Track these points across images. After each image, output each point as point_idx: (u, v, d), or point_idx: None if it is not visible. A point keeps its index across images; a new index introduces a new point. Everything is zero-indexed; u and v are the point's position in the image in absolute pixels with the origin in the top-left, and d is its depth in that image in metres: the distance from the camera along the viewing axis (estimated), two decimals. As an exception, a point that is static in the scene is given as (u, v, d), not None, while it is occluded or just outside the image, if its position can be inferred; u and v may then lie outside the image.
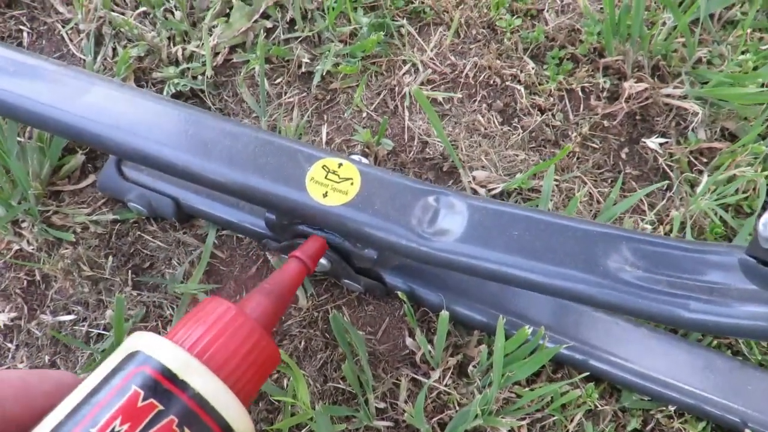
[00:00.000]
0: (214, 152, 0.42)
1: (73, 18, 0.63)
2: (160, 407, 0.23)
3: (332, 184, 0.41)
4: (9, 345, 0.50)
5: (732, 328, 0.32)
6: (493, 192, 0.54)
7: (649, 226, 0.52)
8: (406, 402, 0.47)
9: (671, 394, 0.45)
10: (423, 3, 0.63)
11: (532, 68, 0.60)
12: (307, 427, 0.46)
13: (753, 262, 0.31)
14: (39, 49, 0.63)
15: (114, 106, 0.43)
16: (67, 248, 0.52)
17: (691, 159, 0.56)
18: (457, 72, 0.60)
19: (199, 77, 0.60)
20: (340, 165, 0.42)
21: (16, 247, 0.52)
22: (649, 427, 0.47)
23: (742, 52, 0.58)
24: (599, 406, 0.47)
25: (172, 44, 0.61)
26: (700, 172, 0.56)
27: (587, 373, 0.46)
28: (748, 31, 0.59)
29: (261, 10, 0.61)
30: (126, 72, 0.59)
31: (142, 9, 0.62)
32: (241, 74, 0.60)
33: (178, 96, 0.59)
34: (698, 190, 0.53)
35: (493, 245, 0.38)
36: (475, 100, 0.59)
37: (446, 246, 0.39)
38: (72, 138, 0.45)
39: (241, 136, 0.43)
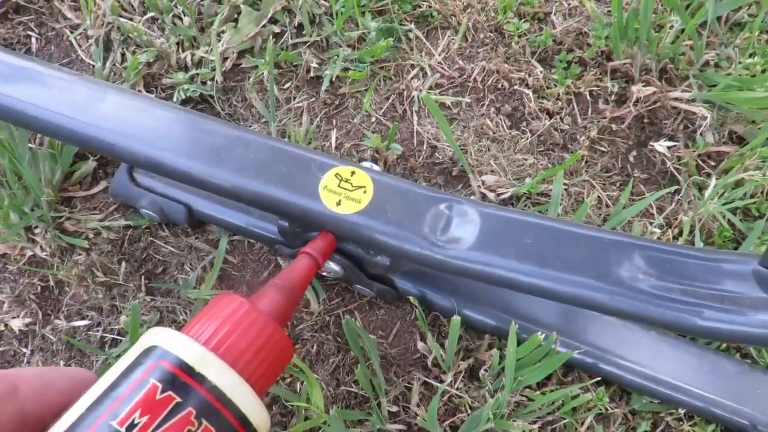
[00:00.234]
0: (228, 161, 0.42)
1: (82, 24, 0.63)
2: (178, 399, 0.24)
3: (345, 192, 0.42)
4: (24, 350, 0.51)
5: (745, 337, 0.33)
6: (503, 196, 0.55)
7: (657, 230, 0.53)
8: (418, 405, 0.47)
9: (681, 397, 0.46)
10: (430, 7, 0.63)
11: (540, 72, 0.60)
12: (321, 430, 0.46)
13: (767, 272, 0.32)
14: (47, 55, 0.63)
15: (127, 115, 0.44)
16: (80, 254, 0.53)
17: (700, 162, 0.56)
18: (465, 76, 0.60)
19: (209, 83, 0.60)
20: (353, 173, 0.42)
21: (29, 253, 0.53)
22: (659, 430, 0.47)
23: (750, 55, 0.59)
24: (609, 409, 0.47)
25: (180, 50, 0.61)
26: (709, 175, 0.56)
27: (598, 378, 0.46)
28: (756, 33, 0.59)
29: (269, 15, 0.62)
30: (135, 78, 0.59)
31: (150, 15, 0.62)
32: (250, 79, 0.60)
33: (187, 101, 0.60)
34: (707, 193, 0.54)
35: (506, 253, 0.39)
36: (483, 104, 0.59)
37: (459, 254, 0.39)
38: (85, 147, 0.45)
39: (253, 144, 0.43)
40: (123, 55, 0.62)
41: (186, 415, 0.24)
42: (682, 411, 0.46)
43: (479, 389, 0.48)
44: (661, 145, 0.57)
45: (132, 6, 0.64)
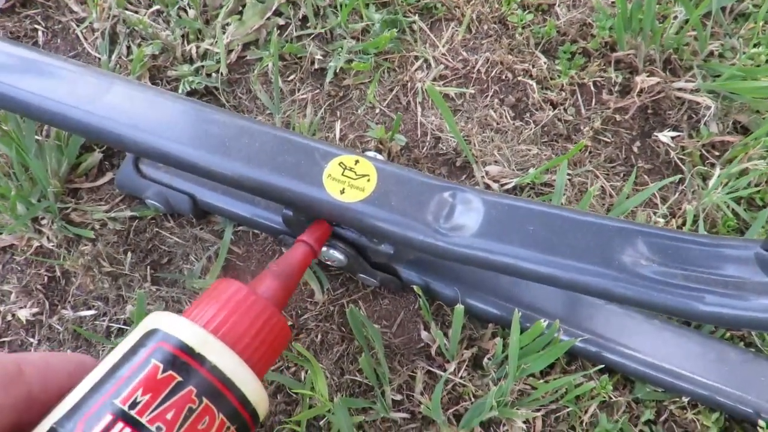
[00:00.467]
0: (233, 150, 0.43)
1: (88, 17, 0.64)
2: (179, 379, 0.25)
3: (349, 180, 0.42)
4: (31, 340, 0.51)
5: (748, 321, 0.33)
6: (506, 187, 0.55)
7: (661, 220, 0.53)
8: (422, 394, 0.48)
9: (684, 385, 0.46)
10: (434, -1, 0.63)
11: (544, 63, 0.60)
12: (325, 418, 0.47)
13: (769, 256, 0.32)
14: (54, 48, 0.64)
15: (134, 106, 0.44)
16: (86, 245, 0.53)
17: (703, 152, 0.56)
18: (469, 67, 0.60)
19: (214, 75, 0.60)
20: (357, 162, 0.42)
21: (36, 244, 0.53)
22: (662, 418, 0.47)
23: (755, 45, 0.58)
24: (613, 397, 0.47)
25: (186, 42, 0.61)
26: (713, 165, 0.56)
27: (602, 366, 0.46)
28: (761, 24, 0.59)
29: (273, 8, 0.62)
30: (141, 70, 0.60)
31: (155, 7, 0.63)
32: (255, 71, 0.60)
33: (192, 94, 0.60)
34: (710, 183, 0.54)
35: (510, 240, 0.39)
36: (487, 96, 0.59)
37: (463, 241, 0.39)
38: (93, 138, 0.46)
39: (258, 134, 0.43)
40: (128, 47, 0.62)
41: (187, 394, 0.24)
42: (685, 399, 0.47)
43: (483, 378, 0.48)
44: (665, 136, 0.57)
45: (137, -1, 0.64)
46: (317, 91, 0.60)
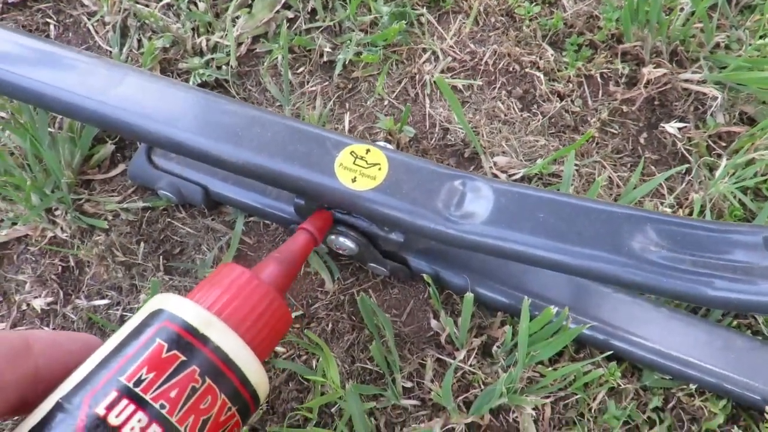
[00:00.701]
0: (245, 140, 0.43)
1: (99, 10, 0.64)
2: (183, 358, 0.25)
3: (360, 169, 0.42)
4: (46, 328, 0.52)
5: (756, 305, 0.33)
6: (514, 177, 0.55)
7: (668, 210, 0.53)
8: (432, 381, 0.48)
9: (692, 372, 0.46)
10: (442, -9, 0.64)
11: (551, 55, 0.60)
12: (337, 405, 0.47)
13: (777, 240, 0.32)
14: (65, 41, 0.64)
15: (147, 97, 0.44)
16: (99, 235, 0.54)
17: (710, 143, 0.57)
18: (476, 59, 0.61)
19: (224, 67, 0.61)
20: (368, 151, 0.43)
21: (50, 234, 0.54)
22: (670, 405, 0.48)
23: (761, 37, 0.59)
24: (621, 384, 0.48)
25: (196, 35, 0.62)
26: (719, 155, 0.56)
27: (610, 353, 0.47)
28: (767, 15, 0.60)
29: (282, 1, 0.63)
30: (152, 63, 0.60)
31: (166, 1, 0.63)
32: (265, 64, 0.61)
33: (202, 86, 0.60)
34: (717, 173, 0.54)
35: (519, 227, 0.39)
36: (494, 87, 0.60)
37: (473, 228, 0.40)
38: (106, 128, 0.46)
39: (270, 124, 0.44)
40: (139, 40, 0.63)
41: (190, 373, 0.25)
42: (693, 387, 0.47)
43: (492, 365, 0.48)
44: (671, 127, 0.57)
45: (147, -7, 0.65)
46: (326, 83, 0.61)
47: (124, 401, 0.23)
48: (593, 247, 0.38)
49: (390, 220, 0.42)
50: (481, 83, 0.60)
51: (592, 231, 0.38)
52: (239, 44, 0.62)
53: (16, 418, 0.26)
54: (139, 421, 0.23)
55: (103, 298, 0.52)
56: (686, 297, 0.35)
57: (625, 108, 0.59)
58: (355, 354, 0.50)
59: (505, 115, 0.58)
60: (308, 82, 0.61)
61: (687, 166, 0.56)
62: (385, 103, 0.60)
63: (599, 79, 0.60)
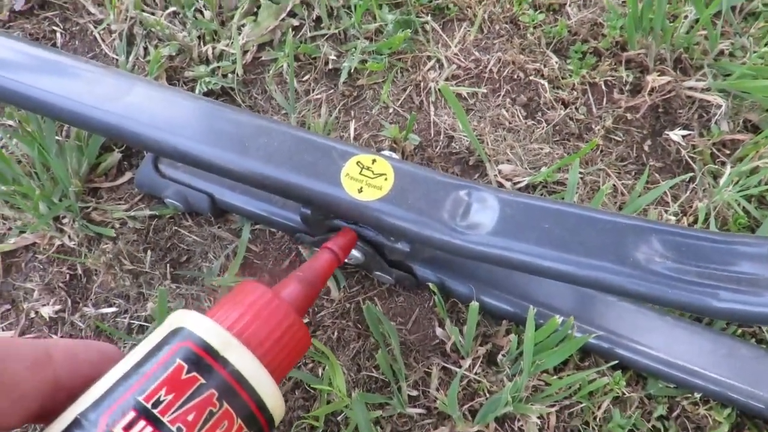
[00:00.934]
0: (252, 150, 0.44)
1: (105, 19, 0.65)
2: (202, 381, 0.25)
3: (367, 179, 0.43)
4: (54, 336, 0.52)
5: (762, 317, 0.33)
6: (519, 185, 0.55)
7: (672, 218, 0.53)
8: (437, 390, 0.48)
9: (696, 381, 0.47)
10: (447, -1, 0.64)
11: (556, 62, 0.61)
12: (343, 414, 0.48)
13: (782, 252, 0.32)
14: (72, 49, 0.65)
15: (154, 106, 0.45)
16: (107, 243, 0.54)
17: (714, 151, 0.57)
18: (481, 67, 0.61)
19: (230, 75, 0.61)
20: (374, 161, 0.43)
21: (58, 242, 0.54)
22: (674, 414, 0.48)
23: (765, 44, 0.59)
24: (626, 393, 0.48)
25: (202, 43, 0.62)
26: (723, 163, 0.56)
27: (615, 362, 0.47)
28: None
29: (288, 9, 0.63)
30: (158, 71, 0.60)
31: (172, 9, 0.64)
32: (270, 72, 0.61)
33: (208, 94, 0.61)
34: (721, 181, 0.54)
35: (525, 238, 0.40)
36: (499, 95, 0.60)
37: (479, 239, 0.40)
38: (114, 138, 0.47)
39: (277, 133, 0.44)
40: (146, 49, 0.63)
41: (209, 396, 0.25)
42: (697, 395, 0.47)
43: (497, 374, 0.49)
44: (676, 134, 0.57)
45: (154, 1, 0.65)
46: (331, 91, 0.61)
47: (142, 422, 0.23)
48: (598, 258, 0.38)
49: (396, 231, 0.42)
50: (485, 91, 0.60)
51: (598, 241, 0.39)
52: (245, 52, 0.62)
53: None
54: None
55: (110, 306, 0.53)
56: (691, 308, 0.36)
57: (629, 115, 0.59)
58: (361, 362, 0.50)
59: (510, 123, 0.59)
60: (313, 90, 0.61)
61: (691, 174, 0.56)
62: (390, 110, 0.60)
63: (603, 87, 0.60)
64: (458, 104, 0.54)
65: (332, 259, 0.40)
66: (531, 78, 0.60)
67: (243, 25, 0.62)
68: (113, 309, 0.52)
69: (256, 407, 0.26)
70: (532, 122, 0.59)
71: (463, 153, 0.58)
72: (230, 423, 0.25)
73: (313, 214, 0.46)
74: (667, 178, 0.56)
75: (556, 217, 0.40)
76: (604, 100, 0.60)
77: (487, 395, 0.48)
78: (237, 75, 0.61)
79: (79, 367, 0.26)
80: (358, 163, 0.43)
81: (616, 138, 0.58)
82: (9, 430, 0.23)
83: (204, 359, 0.26)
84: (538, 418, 0.47)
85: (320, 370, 0.49)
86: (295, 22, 0.63)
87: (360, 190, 0.42)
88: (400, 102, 0.60)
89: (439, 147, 0.58)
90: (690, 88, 0.59)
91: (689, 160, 0.57)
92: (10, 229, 0.55)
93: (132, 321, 0.52)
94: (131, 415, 0.23)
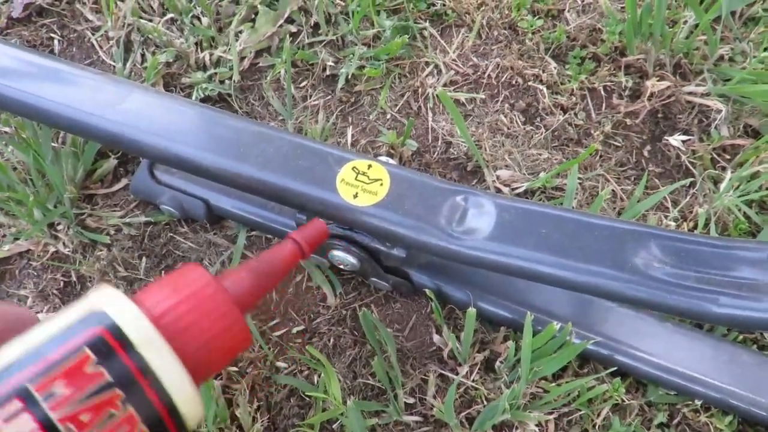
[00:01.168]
0: (249, 156, 0.43)
1: (103, 26, 0.65)
2: (109, 378, 0.22)
3: (362, 185, 0.42)
4: None
5: (762, 323, 0.33)
6: (517, 191, 0.55)
7: (672, 223, 0.53)
8: (434, 397, 0.48)
9: (697, 388, 0.46)
10: (445, 5, 0.64)
11: (554, 68, 0.60)
12: (338, 421, 0.47)
13: (782, 257, 0.32)
14: (69, 56, 0.65)
15: (151, 113, 0.45)
16: (101, 250, 0.54)
17: (714, 156, 0.56)
18: (479, 73, 0.61)
19: (227, 82, 0.61)
20: (370, 166, 0.43)
21: (52, 249, 0.54)
22: (675, 421, 0.47)
23: (765, 49, 0.59)
24: (626, 400, 0.47)
25: (199, 50, 0.62)
26: (724, 168, 0.56)
27: (614, 368, 0.46)
28: (770, 27, 0.60)
29: (285, 15, 0.63)
30: (155, 77, 0.60)
31: (169, 16, 0.63)
32: (267, 78, 0.61)
33: (205, 100, 0.61)
34: (722, 186, 0.54)
35: (522, 243, 0.39)
36: (497, 101, 0.60)
37: (476, 244, 0.40)
38: (111, 144, 0.46)
39: (273, 139, 0.44)
40: (143, 55, 0.63)
41: (112, 397, 0.22)
42: (698, 402, 0.47)
43: (495, 381, 0.48)
44: (675, 140, 0.57)
45: (152, 7, 0.65)
46: (329, 97, 0.61)
47: (26, 416, 0.21)
48: (597, 264, 0.38)
49: (392, 236, 0.42)
50: (483, 97, 0.60)
51: (596, 247, 0.38)
52: (242, 59, 0.62)
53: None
54: None
55: (105, 313, 0.52)
56: (691, 314, 0.35)
57: (628, 121, 0.59)
58: (357, 369, 0.50)
59: (508, 129, 0.58)
60: (311, 96, 0.61)
61: (691, 179, 0.55)
62: (388, 116, 0.59)
63: (602, 92, 0.60)
64: (456, 110, 0.54)
65: (294, 251, 0.34)
66: (529, 83, 0.60)
67: (240, 32, 0.62)
68: (108, 316, 0.52)
69: (167, 413, 0.23)
70: (531, 128, 0.59)
71: (461, 159, 0.57)
72: (131, 428, 0.22)
73: (309, 219, 0.46)
74: (667, 183, 0.56)
75: (554, 223, 0.40)
76: (603, 105, 0.59)
77: (485, 403, 0.47)
78: (234, 81, 0.61)
79: None
80: (353, 168, 0.43)
81: (616, 143, 0.58)
82: None
83: (116, 354, 0.23)
84: (537, 425, 0.46)
85: (316, 378, 0.49)
86: (293, 29, 0.63)
87: (355, 196, 0.42)
88: (397, 108, 0.60)
89: (437, 153, 0.58)
90: (690, 93, 0.58)
91: (689, 165, 0.56)
92: (4, 236, 0.55)
93: (127, 328, 0.51)
94: (17, 405, 0.21)
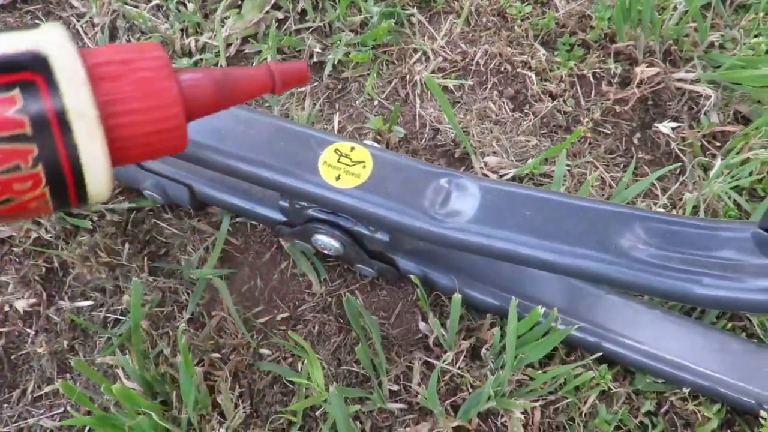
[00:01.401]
0: (229, 139, 0.43)
1: (88, 12, 0.64)
2: (28, 131, 0.21)
3: (345, 167, 0.42)
4: (29, 330, 0.51)
5: (745, 304, 0.32)
6: (505, 177, 0.54)
7: (661, 210, 0.52)
8: (419, 384, 0.47)
9: (685, 376, 0.45)
10: (433, -9, 0.63)
11: (543, 55, 0.60)
12: (322, 408, 0.46)
13: (766, 235, 0.31)
14: (55, 42, 0.64)
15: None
16: (84, 236, 0.53)
17: (704, 143, 0.56)
18: (467, 60, 0.60)
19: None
20: (353, 149, 0.42)
21: (34, 235, 0.53)
22: (663, 410, 0.47)
23: (755, 36, 0.58)
24: (613, 388, 0.47)
25: (185, 36, 0.62)
26: (713, 155, 0.55)
27: (600, 354, 0.46)
28: (762, 14, 0.59)
29: (272, 1, 0.62)
30: (140, 63, 0.60)
31: (155, 2, 0.63)
32: (254, 64, 0.60)
33: (191, 86, 0.60)
34: (711, 173, 0.53)
35: (506, 225, 0.39)
36: (486, 87, 0.59)
37: (459, 226, 0.39)
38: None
39: (254, 122, 0.43)
40: (128, 41, 0.62)
41: (26, 151, 0.21)
42: (686, 390, 0.46)
43: (481, 368, 0.47)
44: (665, 126, 0.56)
45: (137, -7, 0.64)
46: (316, 83, 0.60)
47: None
48: (581, 245, 0.37)
49: (374, 219, 0.41)
50: (472, 83, 0.59)
51: (580, 229, 0.38)
52: (228, 45, 0.61)
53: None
54: None
55: (86, 299, 0.52)
56: (674, 296, 0.35)
57: (618, 108, 0.58)
58: (341, 356, 0.49)
59: (497, 116, 0.58)
60: (297, 83, 0.60)
61: (680, 164, 0.55)
62: (375, 103, 0.59)
63: (592, 79, 0.59)
64: (443, 96, 0.53)
65: (264, 79, 0.30)
66: (518, 70, 0.60)
67: (226, 18, 0.62)
68: (89, 302, 0.51)
69: (73, 188, 0.23)
70: (519, 114, 0.58)
71: (449, 145, 0.57)
72: (35, 185, 0.22)
73: (291, 203, 0.45)
74: (657, 170, 0.55)
75: (538, 205, 0.39)
76: (593, 92, 0.59)
77: (470, 390, 0.47)
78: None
79: None
80: (336, 150, 0.42)
81: (605, 130, 0.57)
82: None
83: (46, 115, 0.21)
84: (522, 413, 0.45)
85: (300, 365, 0.48)
86: (280, 15, 0.62)
87: (338, 178, 0.41)
88: (385, 94, 0.59)
89: (424, 139, 0.57)
90: (679, 80, 0.58)
91: (679, 152, 0.56)
92: (-14, 221, 0.54)
93: (108, 314, 0.51)
94: None
